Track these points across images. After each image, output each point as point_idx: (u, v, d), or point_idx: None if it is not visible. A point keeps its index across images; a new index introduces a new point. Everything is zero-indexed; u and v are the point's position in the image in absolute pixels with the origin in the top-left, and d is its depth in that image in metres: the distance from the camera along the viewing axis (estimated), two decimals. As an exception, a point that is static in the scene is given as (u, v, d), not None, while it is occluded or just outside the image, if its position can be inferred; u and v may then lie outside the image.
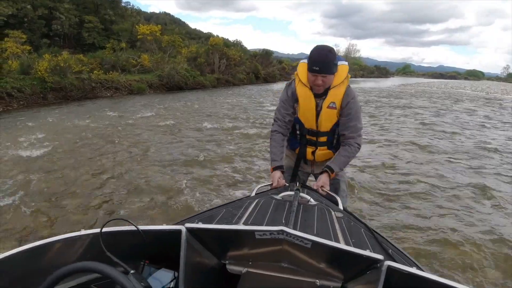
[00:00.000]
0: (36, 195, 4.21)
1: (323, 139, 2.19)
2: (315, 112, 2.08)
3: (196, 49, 27.14)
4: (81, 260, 0.87)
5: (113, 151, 6.29)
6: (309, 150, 2.27)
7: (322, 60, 1.89)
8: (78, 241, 1.05)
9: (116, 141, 7.04)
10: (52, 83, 13.75)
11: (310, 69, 1.94)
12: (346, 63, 2.06)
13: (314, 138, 2.21)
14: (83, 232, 1.05)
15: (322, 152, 2.25)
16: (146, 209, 3.90)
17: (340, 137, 2.18)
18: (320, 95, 2.04)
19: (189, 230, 1.04)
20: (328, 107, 2.04)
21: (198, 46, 28.96)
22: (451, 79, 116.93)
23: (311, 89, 2.04)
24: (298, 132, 2.27)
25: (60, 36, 30.35)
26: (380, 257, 0.90)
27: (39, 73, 13.53)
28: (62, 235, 1.02)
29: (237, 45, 38.34)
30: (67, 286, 1.05)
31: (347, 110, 2.03)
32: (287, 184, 2.07)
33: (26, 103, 12.56)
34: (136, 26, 25.84)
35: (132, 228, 1.03)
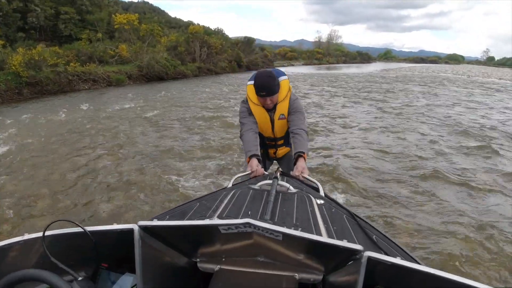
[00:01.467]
0: (1, 198, 4.03)
1: (280, 142, 2.67)
2: (270, 124, 2.49)
3: (176, 38, 26.74)
4: (26, 268, 0.83)
5: (87, 147, 6.21)
6: (271, 151, 2.76)
7: (266, 86, 2.25)
8: (21, 247, 0.96)
9: (91, 136, 6.97)
10: (27, 78, 13.49)
11: (258, 94, 2.29)
12: (286, 77, 2.44)
13: (273, 143, 2.67)
14: (26, 236, 0.96)
15: (281, 150, 2.74)
16: (119, 209, 3.78)
17: (290, 131, 2.50)
18: (271, 109, 2.41)
19: (143, 228, 0.96)
20: (279, 118, 2.45)
21: (178, 35, 28.51)
22: (432, 63, 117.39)
23: (263, 106, 2.39)
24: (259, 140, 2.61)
25: (36, 29, 29.36)
26: (359, 247, 0.84)
27: (13, 67, 13.24)
28: (3, 241, 0.95)
29: (218, 33, 37.86)
30: None
31: (292, 109, 2.43)
32: (266, 173, 2.08)
33: (1, 100, 12.31)
34: (113, 16, 25.22)
35: (79, 229, 0.96)
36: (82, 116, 9.16)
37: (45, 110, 10.34)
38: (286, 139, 2.64)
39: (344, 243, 0.85)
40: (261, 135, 2.56)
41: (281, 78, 2.38)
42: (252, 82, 2.35)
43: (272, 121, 2.46)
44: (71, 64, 16.45)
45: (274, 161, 2.96)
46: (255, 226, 0.90)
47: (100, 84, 17.19)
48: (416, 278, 0.81)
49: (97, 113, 9.65)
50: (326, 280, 1.06)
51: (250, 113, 2.45)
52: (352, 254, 0.87)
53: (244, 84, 18.13)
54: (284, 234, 0.89)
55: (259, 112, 2.43)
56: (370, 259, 0.83)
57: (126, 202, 3.95)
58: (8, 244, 0.94)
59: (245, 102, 2.49)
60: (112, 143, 6.42)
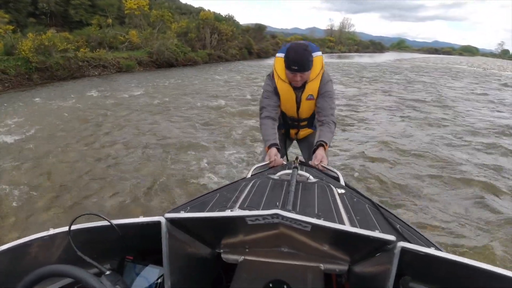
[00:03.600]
0: (4, 189, 3.85)
1: (304, 123, 2.48)
2: (296, 104, 2.27)
3: (186, 24, 26.41)
4: (52, 263, 0.80)
5: (95, 135, 6.06)
6: (293, 131, 2.58)
7: (300, 60, 1.97)
8: (47, 242, 0.96)
9: (100, 124, 6.82)
10: (37, 63, 13.37)
11: (289, 68, 2.02)
12: (320, 53, 2.16)
13: (296, 123, 2.48)
14: (51, 231, 0.96)
15: (304, 132, 2.56)
16: (130, 201, 3.61)
17: (316, 117, 2.32)
18: (299, 88, 2.19)
19: (170, 220, 0.94)
20: (307, 99, 2.22)
21: (188, 21, 28.16)
22: (446, 54, 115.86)
23: (290, 83, 2.16)
24: (280, 118, 2.47)
25: (47, 15, 29.30)
26: (392, 238, 0.83)
27: (23, 53, 13.13)
28: (29, 237, 0.93)
29: (229, 19, 37.34)
30: None
31: (322, 92, 2.20)
32: (285, 163, 2.05)
33: (11, 85, 12.23)
34: (124, 1, 24.95)
35: (105, 223, 0.95)
36: (91, 103, 9.03)
37: (55, 96, 10.23)
38: (311, 121, 2.45)
39: (377, 234, 0.83)
40: (283, 114, 2.43)
41: (315, 54, 2.10)
42: (282, 54, 2.09)
43: (299, 102, 2.25)
44: (81, 49, 16.33)
45: (293, 145, 2.85)
46: (283, 217, 0.88)
47: (110, 70, 17.02)
48: (446, 267, 0.81)
49: (107, 100, 9.50)
50: (352, 270, 1.05)
51: (274, 92, 2.23)
52: (383, 244, 0.86)
53: (255, 72, 18.19)
54: (313, 225, 0.87)
55: (285, 91, 2.21)
56: (403, 249, 0.82)
57: (135, 194, 3.78)
58: (34, 239, 0.94)
59: (271, 77, 2.26)
60: (121, 132, 6.26)
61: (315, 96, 2.21)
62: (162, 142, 5.63)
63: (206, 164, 4.63)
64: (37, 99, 9.65)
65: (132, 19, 24.98)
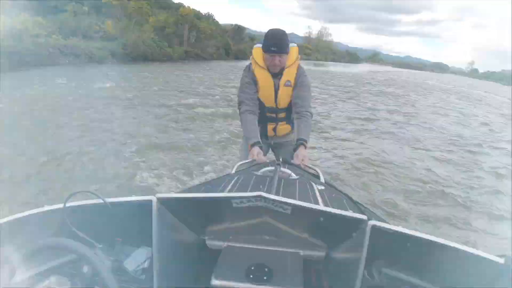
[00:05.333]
0: None
1: (282, 115, 2.42)
2: (274, 91, 2.29)
3: (164, 19, 26.24)
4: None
5: (60, 126, 5.78)
6: (270, 127, 2.48)
7: (279, 41, 2.09)
8: (42, 217, 0.98)
9: (66, 115, 6.57)
10: (6, 48, 12.94)
11: (268, 50, 2.11)
12: (295, 44, 2.28)
13: (274, 115, 2.42)
14: (47, 207, 0.98)
15: (282, 127, 2.48)
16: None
17: (293, 109, 2.35)
18: (276, 74, 2.24)
19: (161, 200, 0.96)
20: (285, 85, 2.26)
21: (167, 16, 27.95)
22: (418, 70, 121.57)
23: (268, 69, 2.23)
24: (258, 111, 2.42)
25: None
26: (363, 217, 0.87)
27: (-8, 36, 12.70)
28: (23, 212, 0.96)
29: (209, 18, 37.31)
30: (47, 267, 0.97)
31: (300, 82, 2.27)
32: (268, 160, 2.10)
33: (-23, 70, 11.79)
34: (102, -11, 24.47)
35: (99, 201, 0.97)
36: (58, 92, 8.80)
37: (21, 83, 9.92)
38: (288, 113, 2.42)
39: (349, 213, 0.90)
40: (261, 105, 2.37)
41: (291, 45, 2.24)
42: (260, 45, 2.22)
43: (277, 89, 2.29)
44: (53, 36, 15.96)
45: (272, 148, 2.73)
46: (266, 199, 0.92)
47: (82, 60, 16.76)
48: (416, 246, 0.85)
49: (75, 90, 9.30)
50: (330, 256, 1.11)
51: (252, 81, 2.27)
52: (356, 223, 0.90)
53: (231, 72, 18.15)
54: (294, 207, 0.91)
55: (263, 77, 2.26)
56: (374, 227, 0.85)
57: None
58: (29, 214, 0.96)
59: (248, 69, 2.32)
60: (87, 125, 6.03)
61: (292, 83, 2.26)
62: (128, 138, 5.41)
63: (177, 165, 4.48)
64: (2, 86, 9.05)
65: (109, 9, 24.54)
